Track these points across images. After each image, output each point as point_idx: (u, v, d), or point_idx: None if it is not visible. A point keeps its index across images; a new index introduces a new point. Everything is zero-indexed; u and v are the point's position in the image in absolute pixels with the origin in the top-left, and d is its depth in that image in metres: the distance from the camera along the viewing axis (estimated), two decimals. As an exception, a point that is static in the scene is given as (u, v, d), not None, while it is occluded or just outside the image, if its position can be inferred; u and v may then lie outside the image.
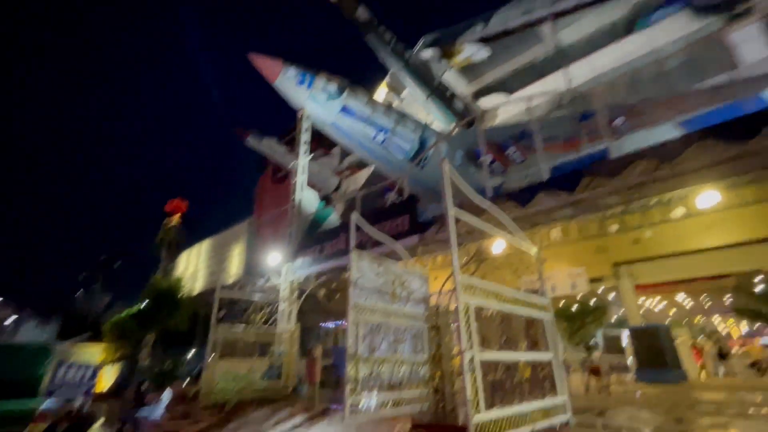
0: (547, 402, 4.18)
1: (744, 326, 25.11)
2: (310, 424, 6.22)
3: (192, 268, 17.72)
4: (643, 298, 18.37)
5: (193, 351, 19.84)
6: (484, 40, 18.78)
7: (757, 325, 21.61)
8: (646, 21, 15.26)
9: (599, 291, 15.55)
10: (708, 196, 7.66)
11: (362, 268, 5.16)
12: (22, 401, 12.31)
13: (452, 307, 6.31)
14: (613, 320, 20.88)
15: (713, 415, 5.37)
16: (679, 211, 10.12)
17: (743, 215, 10.44)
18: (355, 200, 12.77)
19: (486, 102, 19.48)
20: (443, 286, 7.15)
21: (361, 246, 8.14)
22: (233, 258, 13.99)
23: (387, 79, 19.97)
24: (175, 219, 24.51)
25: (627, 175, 4.90)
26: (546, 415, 4.08)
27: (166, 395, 9.47)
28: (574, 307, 19.02)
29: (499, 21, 20.08)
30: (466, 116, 19.34)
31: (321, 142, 22.85)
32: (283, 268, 10.00)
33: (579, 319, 19.78)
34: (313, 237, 10.33)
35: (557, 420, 4.28)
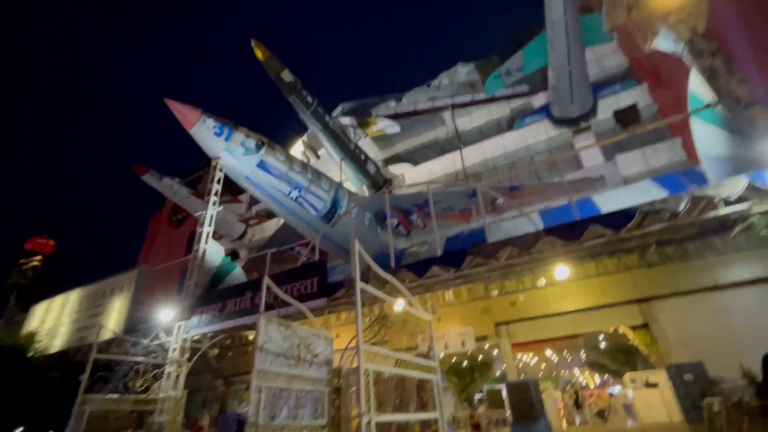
0: (432, 459, 4.69)
1: (597, 378, 29.57)
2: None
3: (51, 322, 14.69)
4: (520, 354, 20.75)
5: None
6: (397, 116, 21.19)
7: (606, 376, 25.61)
8: (521, 122, 19.07)
9: (486, 348, 17.20)
10: (561, 270, 9.63)
11: (269, 332, 5.30)
12: None
13: (354, 364, 6.67)
14: (498, 374, 22.88)
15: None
16: (542, 281, 12.25)
17: (588, 285, 13.04)
18: (265, 257, 12.67)
19: (395, 169, 21.50)
20: (347, 347, 7.49)
21: (268, 306, 8.13)
22: (112, 312, 12.16)
23: (305, 137, 20.86)
24: (35, 260, 20.39)
25: (499, 257, 6.18)
26: (431, 471, 4.55)
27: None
28: (465, 363, 20.56)
29: (409, 101, 23.01)
30: (377, 179, 20.97)
31: (229, 188, 22.18)
32: (175, 325, 9.13)
33: (468, 375, 21.32)
34: (214, 293, 9.82)
35: (441, 475, 4.77)
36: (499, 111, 20.52)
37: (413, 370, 5.03)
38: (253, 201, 25.86)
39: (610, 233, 5.63)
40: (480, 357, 19.63)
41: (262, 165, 12.03)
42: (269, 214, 24.77)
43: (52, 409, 10.71)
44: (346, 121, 19.71)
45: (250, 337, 11.38)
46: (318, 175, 14.28)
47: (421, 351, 11.51)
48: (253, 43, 15.60)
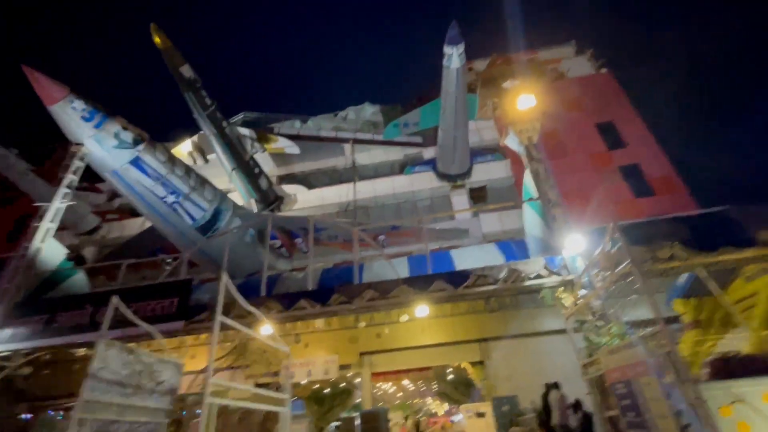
0: (265, 491, 4.85)
1: (446, 406, 32.64)
2: None
3: None
4: (380, 383, 21.89)
5: None
6: (299, 138, 21.37)
7: (452, 406, 28.51)
8: (411, 169, 21.11)
9: (348, 375, 17.75)
10: (421, 309, 10.88)
11: (108, 358, 4.89)
12: None
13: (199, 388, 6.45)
14: (358, 402, 23.53)
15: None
16: (405, 317, 13.51)
17: (443, 324, 14.80)
18: (118, 262, 11.29)
19: (288, 189, 21.39)
20: (200, 371, 7.17)
21: (113, 324, 7.31)
22: None
23: (195, 137, 19.42)
24: None
25: (362, 297, 6.88)
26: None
27: None
28: (326, 390, 20.74)
29: (315, 125, 23.48)
30: (268, 195, 20.51)
31: (90, 173, 19.12)
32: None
33: (329, 402, 21.51)
34: (42, 301, 8.20)
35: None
36: (394, 154, 22.40)
37: (263, 402, 5.20)
38: (118, 193, 22.58)
39: (450, 288, 6.86)
40: (342, 384, 20.11)
41: (137, 162, 10.90)
42: (135, 212, 21.87)
43: None
44: (245, 131, 19.07)
45: (80, 353, 9.80)
46: (202, 183, 13.44)
47: (282, 380, 11.43)
48: (152, 27, 14.33)
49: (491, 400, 13.28)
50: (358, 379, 19.07)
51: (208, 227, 13.62)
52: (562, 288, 6.62)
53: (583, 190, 17.66)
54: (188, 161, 19.03)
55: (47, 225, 8.79)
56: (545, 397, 8.13)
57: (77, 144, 10.15)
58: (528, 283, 6.59)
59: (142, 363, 5.54)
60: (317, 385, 19.09)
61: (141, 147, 10.90)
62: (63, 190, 9.23)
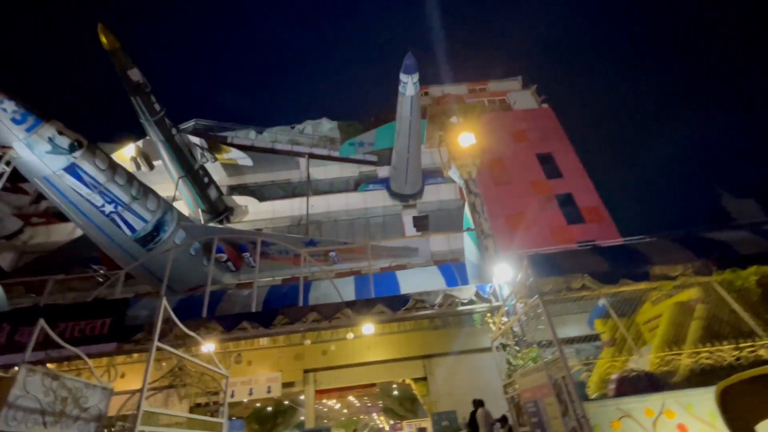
0: None
1: (391, 422, 32.77)
2: None
3: None
4: (325, 399, 21.69)
5: None
6: (253, 149, 21.08)
7: (397, 422, 28.75)
8: (365, 187, 21.56)
9: (292, 393, 17.46)
10: (368, 327, 11.15)
11: (29, 385, 4.68)
12: None
13: (130, 408, 6.25)
14: (302, 419, 23.08)
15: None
16: (351, 334, 13.70)
17: (388, 341, 15.13)
18: (42, 273, 10.57)
19: (239, 200, 20.92)
20: (130, 396, 6.91)
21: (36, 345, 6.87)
22: None
23: (140, 142, 18.52)
24: None
25: (305, 320, 7.07)
26: None
27: None
28: (269, 409, 20.17)
29: (270, 137, 23.29)
30: (217, 206, 19.92)
31: (13, 172, 17.54)
32: None
33: (271, 421, 20.91)
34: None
35: None
36: (350, 171, 22.77)
37: (198, 428, 5.19)
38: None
39: (390, 312, 7.27)
40: (285, 402, 19.69)
41: (72, 169, 10.31)
42: (65, 216, 20.24)
43: None
44: (195, 140, 18.50)
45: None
46: (145, 192, 12.88)
47: (221, 399, 11.10)
48: (99, 27, 13.69)
49: (432, 416, 13.77)
50: (302, 397, 18.85)
51: (149, 239, 13.02)
52: (490, 313, 7.26)
53: (523, 213, 19.09)
54: (131, 167, 18.06)
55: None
56: (473, 414, 8.70)
57: (4, 146, 9.43)
58: (461, 308, 7.15)
59: (66, 389, 5.32)
60: (259, 404, 18.59)
61: (78, 153, 10.32)
62: (-17, 196, 8.51)
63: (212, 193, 19.43)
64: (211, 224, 19.03)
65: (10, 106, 9.03)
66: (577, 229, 18.79)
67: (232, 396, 13.77)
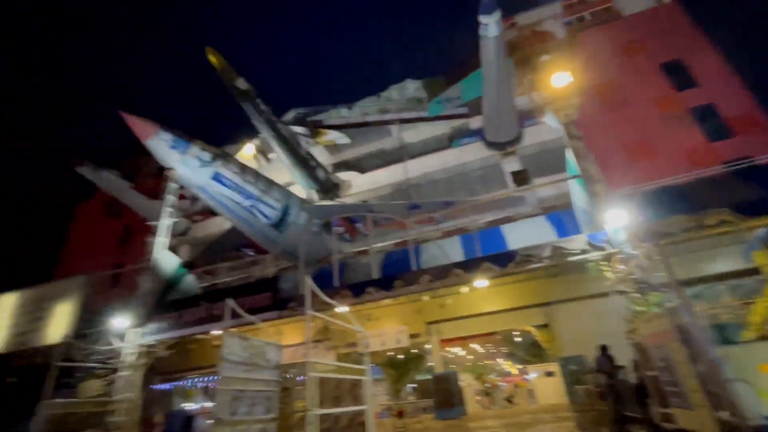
0: (359, 440, 6.20)
1: (518, 366, 33.43)
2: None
3: (-16, 325, 14.04)
4: (449, 348, 23.23)
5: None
6: (347, 126, 22.34)
7: (524, 366, 29.21)
8: (459, 142, 21.19)
9: (419, 343, 19.21)
10: (480, 281, 11.64)
11: (231, 345, 6.46)
12: None
13: (296, 359, 8.03)
14: (432, 364, 25.21)
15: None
16: (465, 289, 14.32)
17: (503, 291, 15.34)
18: (215, 261, 13.38)
19: (343, 176, 22.71)
20: (297, 344, 8.76)
21: (221, 316, 9.13)
22: (56, 317, 12.07)
23: (257, 141, 21.29)
24: None
25: (420, 282, 7.86)
26: (358, 449, 6.07)
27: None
28: (400, 356, 22.59)
29: (360, 110, 24.24)
30: (326, 185, 22.05)
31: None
32: (128, 332, 9.68)
33: (403, 367, 23.46)
34: (171, 302, 10.46)
35: (366, 453, 6.32)
36: (441, 128, 22.52)
37: (348, 373, 6.50)
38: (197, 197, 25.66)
39: (498, 269, 7.55)
40: (414, 351, 21.76)
41: (216, 177, 12.68)
42: (215, 212, 24.79)
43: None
44: (298, 129, 20.48)
45: (201, 338, 12.11)
46: (270, 185, 15.09)
47: (358, 350, 13.10)
48: (207, 50, 15.87)
49: (558, 360, 13.82)
50: (428, 345, 20.54)
51: (280, 223, 15.37)
52: (606, 261, 6.97)
53: (646, 139, 16.63)
54: (253, 163, 21.04)
55: (162, 240, 10.90)
56: (600, 358, 8.63)
57: (169, 169, 12.09)
58: (571, 259, 7.03)
59: (253, 346, 7.12)
60: (391, 353, 20.96)
61: (218, 163, 12.63)
62: (167, 209, 11.25)
63: (320, 174, 21.51)
64: (325, 202, 21.24)
65: (167, 137, 11.46)
66: (724, 147, 15.70)
67: (368, 347, 15.96)
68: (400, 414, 11.13)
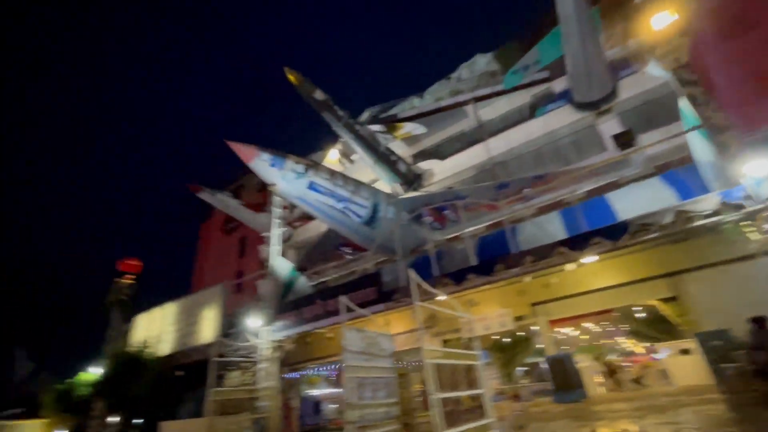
0: (481, 422, 6.34)
1: (642, 345, 30.08)
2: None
3: (156, 331, 17.79)
4: (559, 328, 21.91)
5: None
6: (421, 115, 22.32)
7: (650, 344, 26.24)
8: (543, 109, 19.68)
9: (525, 326, 18.56)
10: (588, 258, 10.81)
11: (350, 338, 7.11)
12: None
13: (406, 347, 8.47)
14: (542, 346, 24.16)
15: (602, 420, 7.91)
16: (570, 266, 13.40)
17: (616, 264, 13.96)
18: (322, 260, 14.63)
19: (424, 165, 22.80)
20: (404, 343, 9.24)
21: (334, 312, 10.02)
22: (205, 320, 14.72)
23: (339, 145, 22.54)
24: (129, 279, 24.05)
25: (522, 264, 7.62)
26: (481, 430, 6.23)
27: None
28: (506, 340, 22.03)
29: (432, 96, 23.99)
30: (408, 177, 22.40)
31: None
32: (262, 330, 11.36)
33: (510, 350, 22.84)
34: (289, 301, 11.92)
35: (489, 435, 6.46)
36: (521, 99, 21.13)
37: (459, 359, 6.68)
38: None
39: (609, 243, 6.91)
40: (521, 333, 21.01)
41: (311, 185, 13.85)
42: (310, 215, 26.92)
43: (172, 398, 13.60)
44: (375, 127, 21.13)
45: (320, 333, 13.42)
46: (357, 185, 15.95)
47: (463, 335, 13.18)
48: (286, 70, 17.25)
49: (695, 336, 12.16)
50: (535, 327, 19.76)
51: (371, 220, 16.16)
52: (748, 221, 5.90)
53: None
54: (339, 167, 22.34)
55: (275, 248, 12.37)
56: (756, 332, 7.39)
57: (271, 184, 13.55)
58: (700, 223, 6.11)
59: (368, 337, 7.73)
60: (497, 336, 20.58)
61: (311, 172, 13.79)
62: (275, 221, 12.69)
63: (401, 167, 21.91)
64: (409, 194, 21.64)
65: (266, 156, 12.88)
66: None
67: (473, 332, 15.94)
68: (516, 397, 10.98)
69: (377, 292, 9.62)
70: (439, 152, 23.34)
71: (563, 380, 12.95)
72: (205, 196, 25.81)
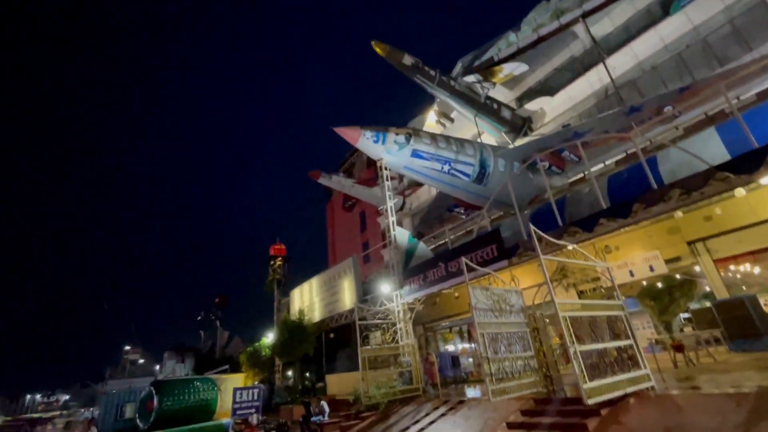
0: (632, 374, 5.89)
1: None
2: (454, 412, 8.31)
3: (307, 302, 21.13)
4: (732, 266, 18.16)
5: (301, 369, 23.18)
6: (520, 51, 20.08)
7: None
8: (680, 2, 15.69)
9: (681, 268, 15.96)
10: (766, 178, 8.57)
11: (477, 296, 7.26)
12: (207, 423, 15.87)
13: (537, 301, 8.21)
14: (708, 290, 20.63)
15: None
16: (740, 191, 10.84)
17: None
18: (437, 222, 14.95)
19: (531, 106, 20.71)
20: (534, 298, 8.98)
21: (457, 273, 10.23)
22: (344, 290, 16.79)
23: (435, 106, 22.01)
24: (279, 261, 28.94)
25: (668, 200, 6.45)
26: (633, 383, 5.80)
27: (325, 405, 12.27)
28: (659, 285, 19.24)
29: (529, 27, 21.28)
30: (515, 122, 20.71)
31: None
32: (394, 294, 12.41)
33: (666, 296, 19.89)
34: (416, 267, 12.66)
35: (643, 386, 5.97)
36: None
37: (599, 310, 6.24)
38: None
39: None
40: (677, 276, 18.12)
41: (414, 153, 14.02)
42: (419, 182, 27.28)
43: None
44: (470, 78, 19.89)
45: (446, 293, 13.94)
46: (461, 144, 15.49)
47: (603, 283, 12.03)
48: (373, 43, 17.36)
49: None
50: (697, 268, 16.91)
51: (480, 177, 15.63)
52: None
53: None
54: (439, 128, 21.92)
55: (391, 219, 13.09)
56: None
57: (379, 159, 14.14)
58: None
59: (496, 294, 7.77)
60: (645, 283, 18.18)
61: (412, 141, 13.91)
62: (388, 193, 13.33)
63: (506, 114, 20.36)
64: (518, 142, 20.09)
65: (369, 133, 13.43)
66: None
67: (613, 280, 14.42)
68: (680, 348, 9.70)
69: (498, 249, 9.39)
70: (546, 88, 20.89)
71: (743, 326, 10.87)
72: (324, 180, 28.41)
